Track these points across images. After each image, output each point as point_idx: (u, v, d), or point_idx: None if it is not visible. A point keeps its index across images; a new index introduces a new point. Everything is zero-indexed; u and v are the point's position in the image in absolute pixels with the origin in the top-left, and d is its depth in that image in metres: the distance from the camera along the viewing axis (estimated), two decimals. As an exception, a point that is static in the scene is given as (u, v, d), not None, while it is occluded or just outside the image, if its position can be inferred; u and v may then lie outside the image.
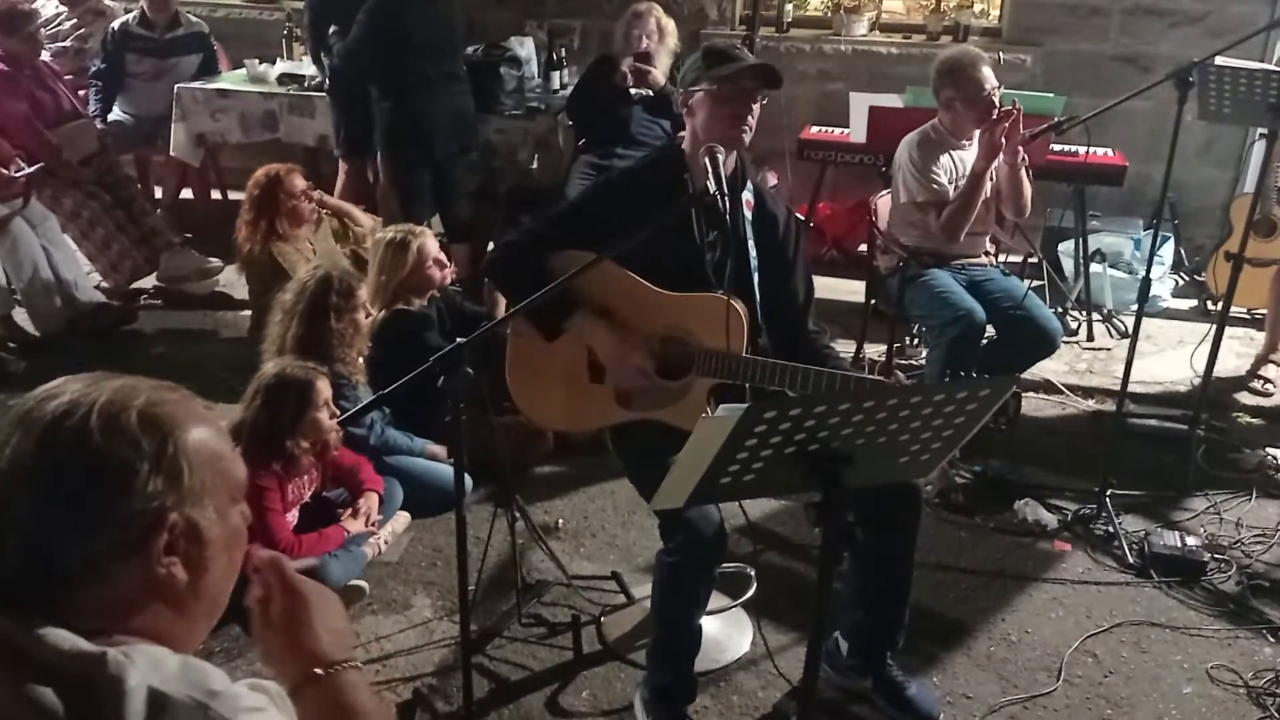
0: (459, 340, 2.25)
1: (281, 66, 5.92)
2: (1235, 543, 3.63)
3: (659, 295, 2.68)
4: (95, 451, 1.11)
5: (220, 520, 1.21)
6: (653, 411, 2.70)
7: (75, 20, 6.43)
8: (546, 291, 2.39)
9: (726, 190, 2.48)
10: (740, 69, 2.58)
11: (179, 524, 1.15)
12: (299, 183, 4.48)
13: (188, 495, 1.16)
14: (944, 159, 4.03)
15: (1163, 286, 5.48)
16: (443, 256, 4.03)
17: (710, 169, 2.48)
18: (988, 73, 3.93)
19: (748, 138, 2.62)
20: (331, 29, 5.09)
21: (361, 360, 3.73)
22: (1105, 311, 5.32)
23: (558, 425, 2.95)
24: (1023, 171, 3.96)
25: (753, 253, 2.69)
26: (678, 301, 2.67)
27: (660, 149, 2.88)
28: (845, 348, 4.81)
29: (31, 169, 4.96)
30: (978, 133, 3.98)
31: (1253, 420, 4.49)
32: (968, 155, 4.04)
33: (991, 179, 3.95)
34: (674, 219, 2.57)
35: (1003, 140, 3.81)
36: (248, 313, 4.93)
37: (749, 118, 2.59)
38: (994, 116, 3.86)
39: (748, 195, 2.72)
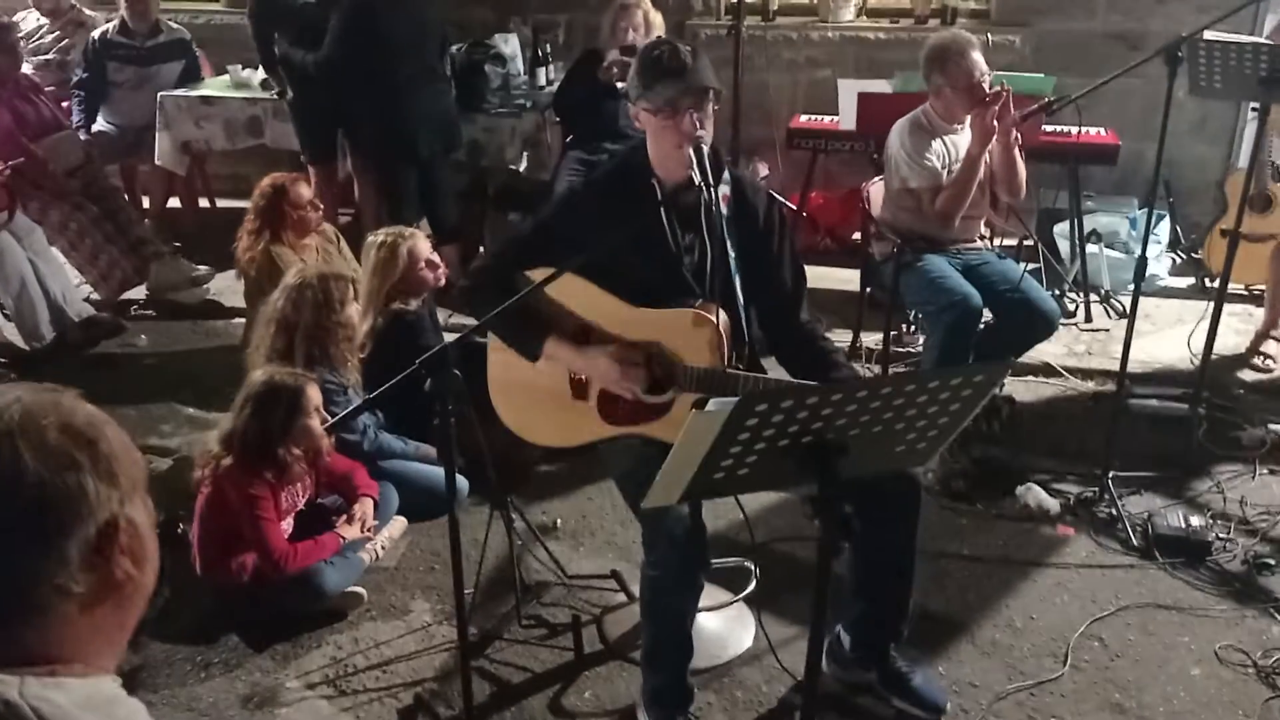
0: (445, 343, 2.22)
1: (265, 72, 5.88)
2: (1240, 521, 3.60)
3: (636, 313, 2.63)
4: (40, 483, 1.08)
5: (145, 507, 1.19)
6: (638, 427, 2.66)
7: (57, 33, 6.38)
8: (508, 305, 2.34)
9: (712, 182, 2.44)
10: (672, 95, 2.49)
11: (126, 524, 1.14)
12: (305, 192, 4.41)
13: (125, 494, 1.14)
14: (935, 144, 4.00)
15: (1159, 265, 5.44)
16: (435, 258, 3.98)
17: (695, 161, 2.44)
18: (976, 57, 3.89)
19: (707, 138, 2.52)
20: (277, 36, 5.07)
21: (353, 364, 3.70)
22: (1102, 292, 5.29)
23: (546, 443, 2.91)
24: (1016, 152, 3.93)
25: (732, 254, 2.62)
26: (656, 318, 2.62)
27: (624, 155, 2.81)
28: (842, 336, 4.79)
29: (10, 164, 4.90)
30: (969, 117, 3.94)
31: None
32: (960, 140, 4.01)
33: (985, 162, 3.91)
34: (647, 226, 2.53)
35: (995, 123, 3.78)
36: (239, 321, 4.90)
37: (698, 127, 2.49)
38: (984, 100, 3.82)
39: (724, 189, 2.64)
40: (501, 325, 2.66)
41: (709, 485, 1.88)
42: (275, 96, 5.54)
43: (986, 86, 3.85)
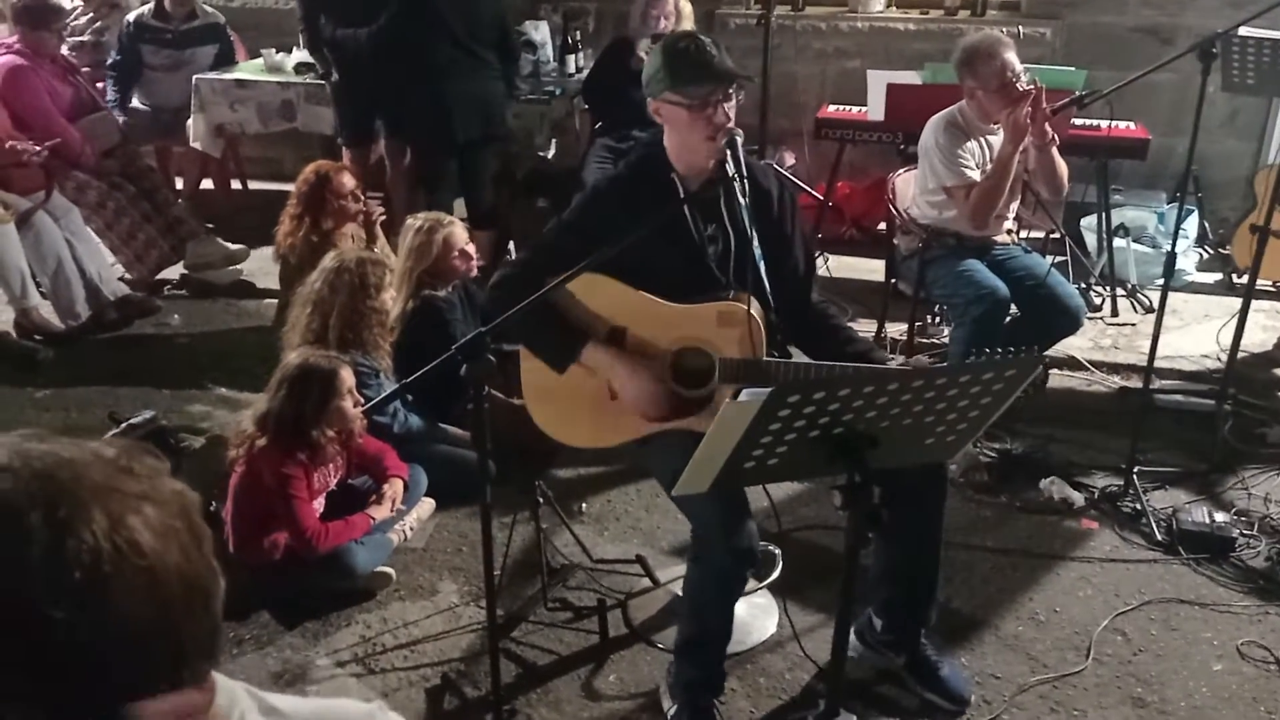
0: (481, 329, 2.25)
1: (298, 56, 5.90)
2: (1264, 518, 3.60)
3: (670, 309, 2.63)
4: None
5: None
6: (679, 421, 2.66)
7: (91, 14, 6.45)
8: (529, 303, 2.33)
9: (745, 174, 2.47)
10: (705, 88, 2.50)
11: None
12: (348, 182, 4.43)
13: None
14: (971, 144, 3.97)
15: (1187, 260, 5.42)
16: (470, 248, 4.00)
17: (730, 155, 2.47)
18: (1009, 57, 3.84)
19: (732, 125, 2.56)
20: (324, 20, 5.08)
21: (385, 349, 3.74)
22: (1129, 286, 5.28)
23: (586, 444, 2.89)
24: (1054, 150, 3.89)
25: (755, 242, 2.63)
26: (690, 312, 2.63)
27: (640, 152, 2.80)
28: (866, 327, 4.80)
29: (47, 144, 4.97)
30: (1002, 116, 3.91)
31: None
32: (995, 141, 3.97)
33: (1020, 161, 3.88)
34: (669, 220, 2.53)
35: (1027, 121, 3.75)
36: (271, 301, 4.95)
37: (729, 117, 2.53)
38: (1016, 99, 3.79)
39: None
40: (532, 333, 2.66)
41: (739, 474, 1.91)
42: (318, 78, 5.56)
43: (1020, 85, 3.81)
